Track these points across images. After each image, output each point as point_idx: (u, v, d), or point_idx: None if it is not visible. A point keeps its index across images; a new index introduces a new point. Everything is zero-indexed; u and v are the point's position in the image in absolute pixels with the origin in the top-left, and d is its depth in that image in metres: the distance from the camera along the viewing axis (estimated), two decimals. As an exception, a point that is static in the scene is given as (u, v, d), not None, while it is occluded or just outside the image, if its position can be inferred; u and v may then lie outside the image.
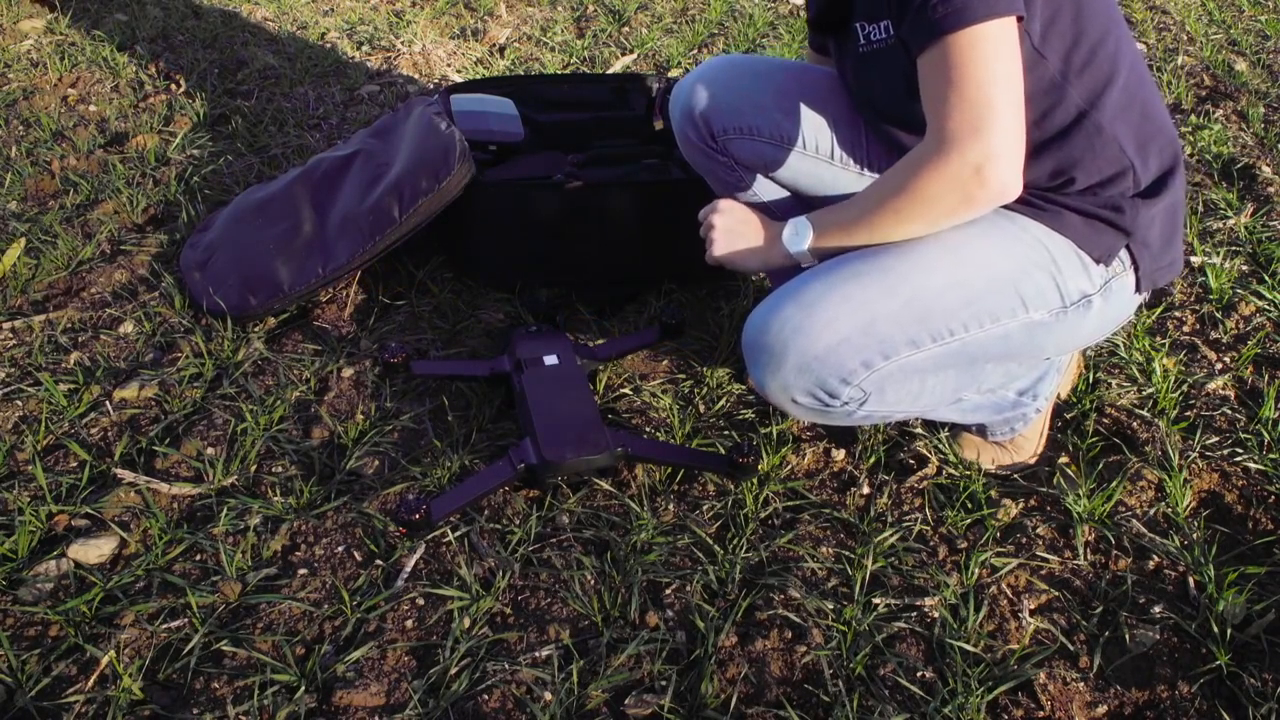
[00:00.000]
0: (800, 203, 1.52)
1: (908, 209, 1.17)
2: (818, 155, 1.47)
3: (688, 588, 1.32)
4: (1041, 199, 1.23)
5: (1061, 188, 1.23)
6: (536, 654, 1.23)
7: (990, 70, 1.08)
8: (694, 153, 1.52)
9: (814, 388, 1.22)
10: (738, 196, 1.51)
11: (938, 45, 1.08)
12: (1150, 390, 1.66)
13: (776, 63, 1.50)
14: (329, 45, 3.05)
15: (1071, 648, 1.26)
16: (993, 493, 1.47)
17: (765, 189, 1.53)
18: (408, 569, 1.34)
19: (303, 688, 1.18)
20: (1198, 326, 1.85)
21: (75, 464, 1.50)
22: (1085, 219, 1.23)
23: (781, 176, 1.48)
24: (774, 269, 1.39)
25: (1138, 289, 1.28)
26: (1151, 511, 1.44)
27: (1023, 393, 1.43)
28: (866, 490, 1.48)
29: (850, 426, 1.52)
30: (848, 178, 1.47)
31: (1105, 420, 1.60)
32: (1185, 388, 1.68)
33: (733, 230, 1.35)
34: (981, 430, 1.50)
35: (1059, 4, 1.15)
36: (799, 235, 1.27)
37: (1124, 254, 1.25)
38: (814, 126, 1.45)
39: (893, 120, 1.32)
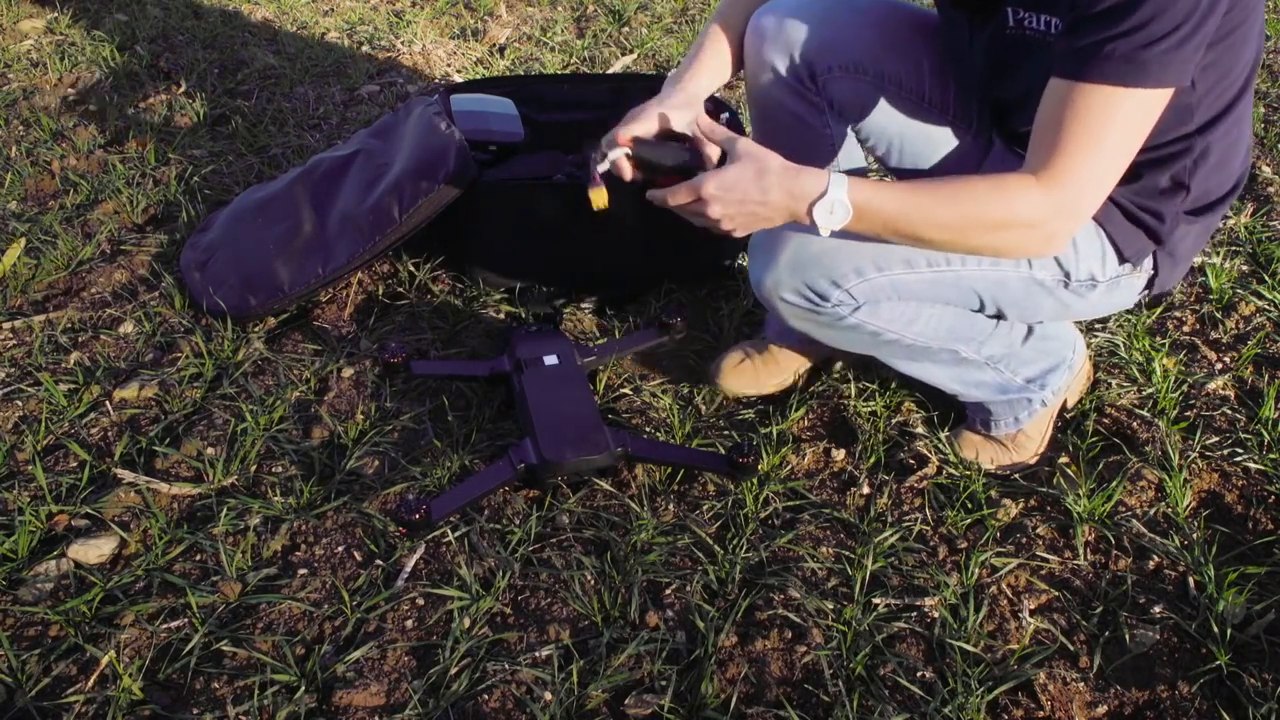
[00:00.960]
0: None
1: (977, 228, 1.10)
2: (917, 100, 1.37)
3: (688, 588, 1.32)
4: None
5: (1125, 181, 1.16)
6: (536, 654, 1.23)
7: (1130, 137, 1.05)
8: (780, 93, 1.35)
9: (802, 286, 1.24)
10: (807, 159, 1.24)
11: (1094, 89, 1.01)
12: (1150, 390, 1.66)
13: None
14: (329, 45, 3.05)
15: (1071, 648, 1.26)
16: (993, 493, 1.47)
17: (847, 154, 1.42)
18: (408, 569, 1.34)
19: (303, 688, 1.18)
20: (1198, 326, 1.85)
21: (75, 464, 1.50)
22: (1127, 217, 1.22)
23: (872, 127, 1.37)
24: None
25: (1148, 288, 1.29)
26: (1151, 511, 1.44)
27: (1030, 380, 1.43)
28: (866, 490, 1.48)
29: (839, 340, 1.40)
30: (941, 132, 1.38)
31: (1105, 420, 1.60)
32: (1185, 388, 1.68)
33: (743, 210, 1.13)
34: (985, 422, 1.50)
35: (1233, 43, 1.09)
36: (835, 215, 1.11)
37: (1149, 259, 1.25)
38: (912, 69, 1.35)
39: (1003, 108, 1.24)
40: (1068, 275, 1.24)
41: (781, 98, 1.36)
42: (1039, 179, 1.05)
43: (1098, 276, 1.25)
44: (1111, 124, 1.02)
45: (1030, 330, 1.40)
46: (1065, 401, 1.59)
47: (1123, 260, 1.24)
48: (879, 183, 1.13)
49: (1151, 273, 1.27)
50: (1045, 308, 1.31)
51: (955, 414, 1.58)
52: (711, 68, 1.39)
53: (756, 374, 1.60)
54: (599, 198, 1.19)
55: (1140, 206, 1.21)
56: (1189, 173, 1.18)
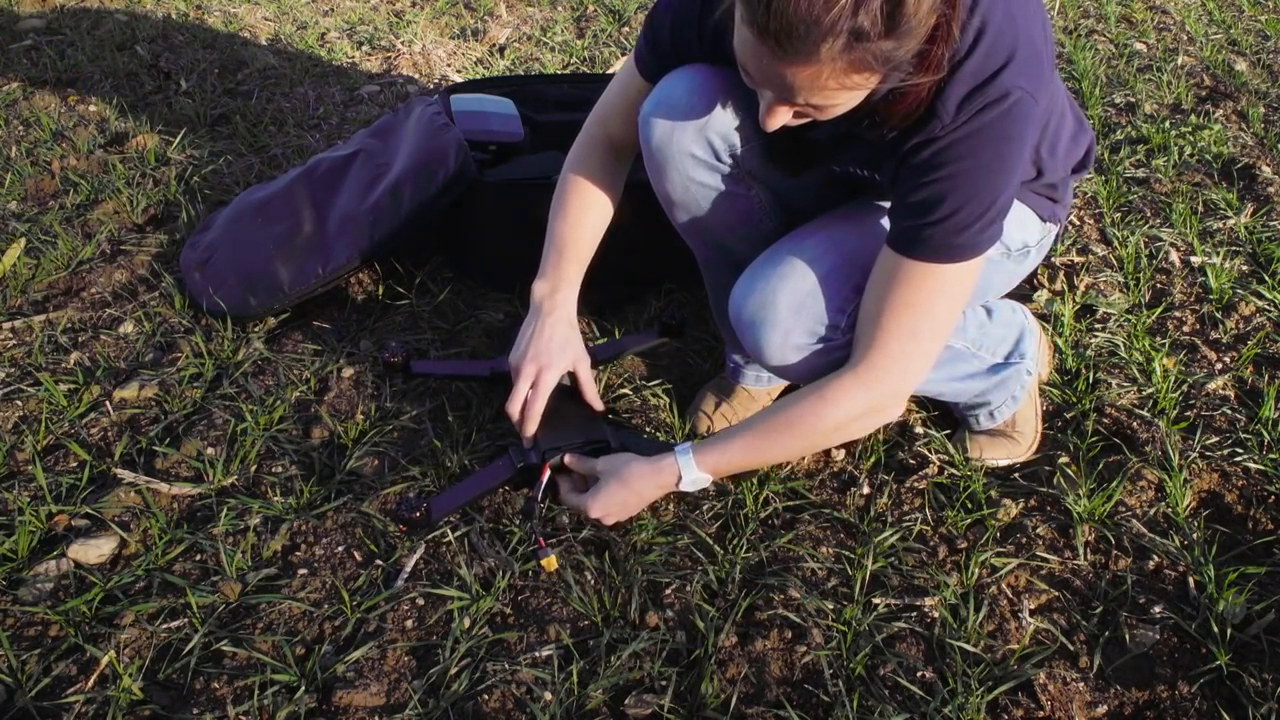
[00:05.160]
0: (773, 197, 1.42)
1: (822, 438, 1.23)
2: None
3: (688, 588, 1.32)
4: None
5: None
6: (536, 654, 1.23)
7: (953, 304, 1.16)
8: (703, 176, 1.32)
9: (813, 324, 1.24)
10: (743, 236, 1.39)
11: (916, 264, 1.12)
12: (1150, 390, 1.66)
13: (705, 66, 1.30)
14: (329, 45, 3.05)
15: (1071, 648, 1.26)
16: (993, 493, 1.47)
17: (776, 205, 1.42)
18: (408, 569, 1.34)
19: (303, 688, 1.18)
20: (1198, 326, 1.85)
21: (75, 464, 1.50)
22: (1033, 191, 1.35)
23: (764, 172, 1.37)
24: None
25: (1056, 238, 1.47)
26: (1151, 511, 1.44)
27: (1010, 354, 1.45)
28: (866, 490, 1.48)
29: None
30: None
31: (1105, 420, 1.60)
32: (1185, 388, 1.68)
33: (626, 509, 1.31)
34: (986, 415, 1.50)
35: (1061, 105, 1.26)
36: (698, 485, 1.26)
37: (1057, 211, 1.39)
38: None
39: (838, 174, 1.32)
40: (1009, 249, 1.35)
41: (704, 179, 1.32)
42: (856, 375, 1.17)
43: (1029, 242, 1.37)
44: (930, 295, 1.13)
45: (989, 309, 1.43)
46: (1051, 395, 1.59)
47: (1043, 221, 1.37)
48: (722, 439, 1.24)
49: (1058, 225, 1.40)
50: (997, 282, 1.40)
51: (954, 419, 1.58)
52: (579, 254, 1.44)
53: (735, 412, 1.59)
54: (550, 563, 1.32)
55: (1038, 189, 1.34)
56: (1050, 154, 1.30)
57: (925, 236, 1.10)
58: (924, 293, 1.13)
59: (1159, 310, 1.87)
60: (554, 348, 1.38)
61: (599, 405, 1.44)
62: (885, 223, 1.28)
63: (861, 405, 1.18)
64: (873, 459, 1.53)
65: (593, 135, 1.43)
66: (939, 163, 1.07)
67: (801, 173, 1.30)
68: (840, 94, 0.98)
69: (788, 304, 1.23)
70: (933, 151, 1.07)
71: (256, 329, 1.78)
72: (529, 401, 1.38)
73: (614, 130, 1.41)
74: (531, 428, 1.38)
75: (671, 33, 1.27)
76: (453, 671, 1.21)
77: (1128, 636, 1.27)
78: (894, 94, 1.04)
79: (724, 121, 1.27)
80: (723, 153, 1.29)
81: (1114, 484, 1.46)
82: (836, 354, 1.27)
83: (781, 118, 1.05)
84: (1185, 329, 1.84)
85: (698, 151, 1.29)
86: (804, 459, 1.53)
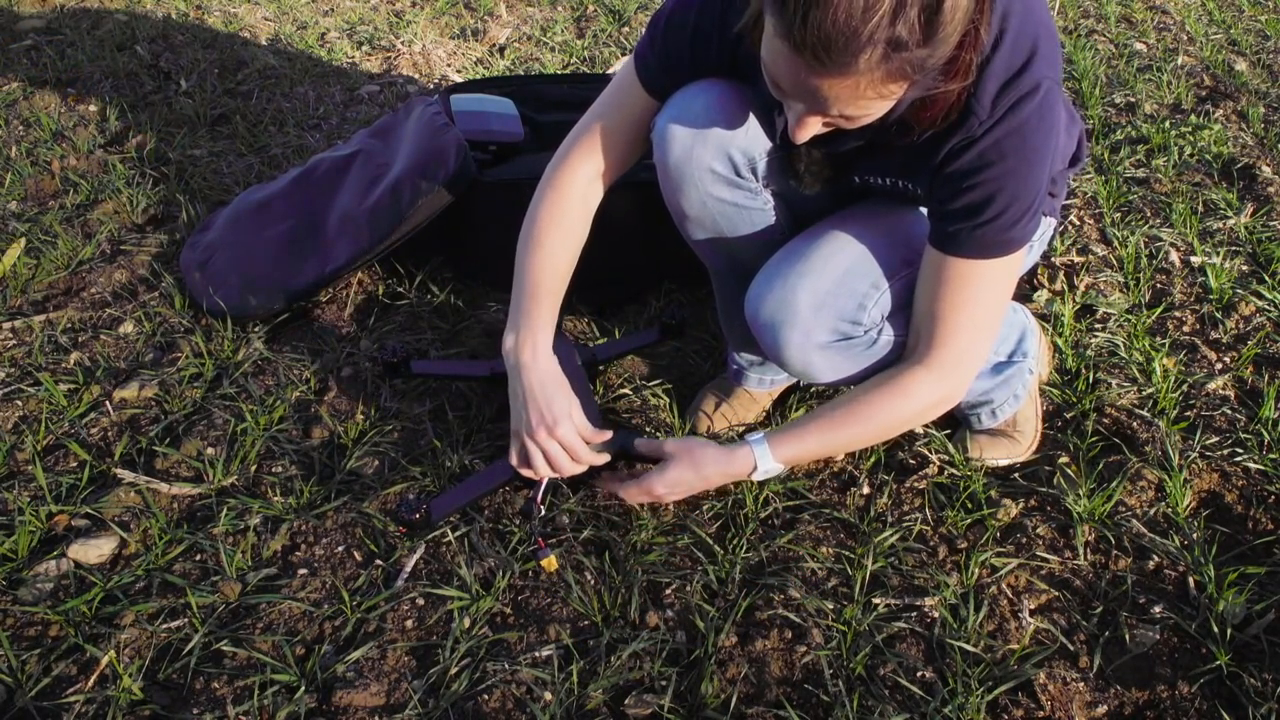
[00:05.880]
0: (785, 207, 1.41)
1: (896, 429, 1.27)
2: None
3: (688, 588, 1.32)
4: None
5: None
6: (536, 654, 1.23)
7: (1004, 294, 1.19)
8: (720, 191, 1.30)
9: (835, 320, 1.24)
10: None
11: (968, 262, 1.14)
12: (1150, 390, 1.66)
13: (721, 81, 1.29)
14: (329, 45, 3.05)
15: (1071, 648, 1.26)
16: (993, 493, 1.47)
17: (783, 212, 1.40)
18: (408, 569, 1.34)
19: (303, 688, 1.18)
20: (1198, 326, 1.85)
21: (75, 464, 1.50)
22: None
23: (781, 185, 1.38)
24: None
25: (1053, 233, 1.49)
26: (1151, 511, 1.44)
27: (1013, 353, 1.45)
28: (866, 490, 1.48)
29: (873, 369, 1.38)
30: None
31: (1105, 420, 1.60)
32: (1185, 388, 1.68)
33: (689, 491, 1.32)
34: (988, 414, 1.49)
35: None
36: (770, 475, 1.29)
37: (1054, 205, 1.40)
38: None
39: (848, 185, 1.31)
40: None
41: (723, 195, 1.31)
42: (928, 368, 1.20)
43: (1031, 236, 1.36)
44: (986, 289, 1.16)
45: None
46: (1051, 395, 1.59)
47: (1043, 216, 1.35)
48: (796, 429, 1.27)
49: (1056, 219, 1.42)
50: None
51: (954, 419, 1.58)
52: (552, 297, 1.37)
53: (735, 413, 1.59)
54: (550, 563, 1.34)
55: None
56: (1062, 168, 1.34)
57: (976, 237, 1.12)
58: (977, 288, 1.16)
59: (1159, 310, 1.87)
60: (555, 404, 1.31)
61: (600, 436, 1.37)
62: (899, 216, 1.29)
63: (936, 396, 1.22)
64: (873, 459, 1.53)
65: (573, 164, 1.37)
66: (983, 164, 1.08)
67: (823, 186, 1.30)
68: (875, 103, 0.98)
69: (808, 303, 1.23)
70: (976, 154, 1.08)
71: (256, 329, 1.78)
72: (555, 463, 1.32)
73: (604, 156, 1.36)
74: (575, 470, 1.35)
75: (692, 47, 1.24)
76: (453, 671, 1.21)
77: (1128, 636, 1.27)
78: (924, 100, 1.03)
79: (744, 136, 1.26)
80: (742, 168, 1.28)
81: (1114, 484, 1.46)
82: (858, 351, 1.27)
83: (812, 129, 1.05)
84: (1185, 329, 1.84)
85: (718, 167, 1.27)
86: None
